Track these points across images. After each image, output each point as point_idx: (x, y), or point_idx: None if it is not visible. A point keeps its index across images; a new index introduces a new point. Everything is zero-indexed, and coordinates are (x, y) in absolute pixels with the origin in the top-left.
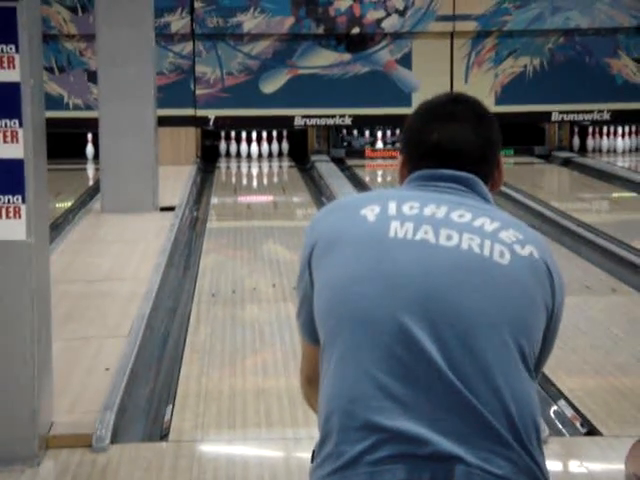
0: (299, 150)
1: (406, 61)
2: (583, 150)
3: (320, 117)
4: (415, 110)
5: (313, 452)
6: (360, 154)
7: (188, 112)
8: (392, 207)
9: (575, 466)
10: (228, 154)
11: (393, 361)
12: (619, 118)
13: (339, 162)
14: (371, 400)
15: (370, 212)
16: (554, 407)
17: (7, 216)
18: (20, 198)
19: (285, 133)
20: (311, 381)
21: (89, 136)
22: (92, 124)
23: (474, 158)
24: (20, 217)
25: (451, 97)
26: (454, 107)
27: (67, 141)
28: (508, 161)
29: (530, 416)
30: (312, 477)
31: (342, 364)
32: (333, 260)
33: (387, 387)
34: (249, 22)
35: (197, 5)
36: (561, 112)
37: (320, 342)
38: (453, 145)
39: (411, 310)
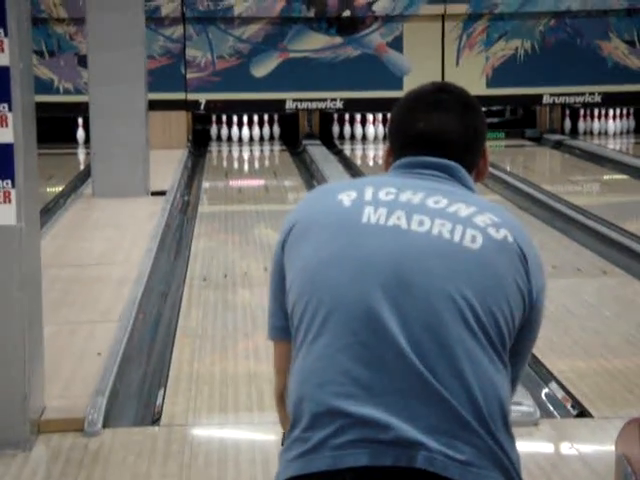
0: (290, 134)
1: (397, 44)
2: (574, 133)
3: (311, 101)
4: (401, 99)
5: (283, 435)
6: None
7: (179, 96)
8: (368, 193)
9: (566, 448)
10: (219, 138)
11: (360, 347)
12: (610, 100)
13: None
14: (337, 386)
15: (346, 197)
16: (545, 389)
17: None
18: (10, 183)
19: (276, 117)
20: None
21: (80, 120)
22: (83, 108)
23: (459, 147)
24: (10, 202)
25: (437, 86)
26: (440, 96)
27: (58, 125)
28: (499, 144)
29: (496, 399)
30: (280, 460)
31: (311, 349)
32: (307, 244)
33: (353, 373)
34: (240, 5)
35: None
36: (552, 95)
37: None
38: (438, 134)
39: (380, 295)
